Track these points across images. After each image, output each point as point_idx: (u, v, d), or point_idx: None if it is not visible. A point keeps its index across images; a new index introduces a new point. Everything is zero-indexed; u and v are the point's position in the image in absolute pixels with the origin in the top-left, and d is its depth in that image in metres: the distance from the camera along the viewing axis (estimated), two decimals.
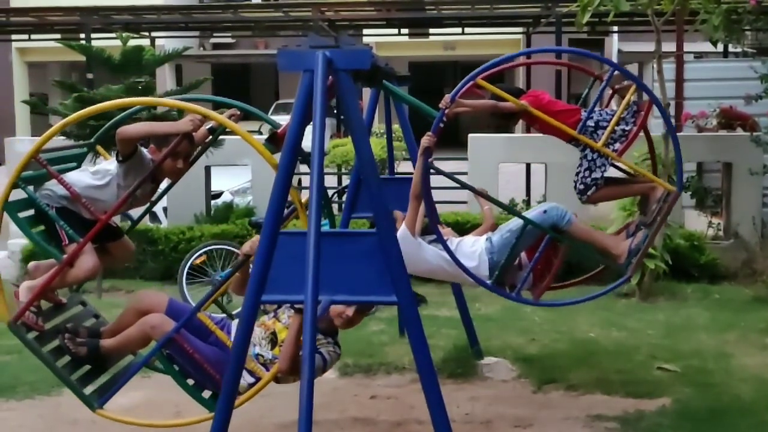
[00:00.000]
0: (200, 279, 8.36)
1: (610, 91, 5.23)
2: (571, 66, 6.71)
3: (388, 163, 7.31)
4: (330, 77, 3.84)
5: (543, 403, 5.85)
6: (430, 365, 4.03)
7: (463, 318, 6.71)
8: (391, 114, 6.79)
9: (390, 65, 5.53)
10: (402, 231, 4.83)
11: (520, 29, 16.54)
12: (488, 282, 4.94)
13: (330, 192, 10.00)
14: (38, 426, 5.55)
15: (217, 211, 10.49)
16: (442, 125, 4.76)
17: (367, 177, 4.17)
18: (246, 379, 4.51)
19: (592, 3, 7.11)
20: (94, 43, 11.39)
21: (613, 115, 4.92)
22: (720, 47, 12.16)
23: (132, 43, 9.24)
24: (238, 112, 5.07)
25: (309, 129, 3.79)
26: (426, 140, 4.71)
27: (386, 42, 21.36)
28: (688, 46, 12.30)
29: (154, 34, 16.33)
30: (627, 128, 4.93)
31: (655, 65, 8.52)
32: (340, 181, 12.53)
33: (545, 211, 4.89)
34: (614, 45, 26.08)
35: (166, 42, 18.52)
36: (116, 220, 5.07)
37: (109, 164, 4.86)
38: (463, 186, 5.35)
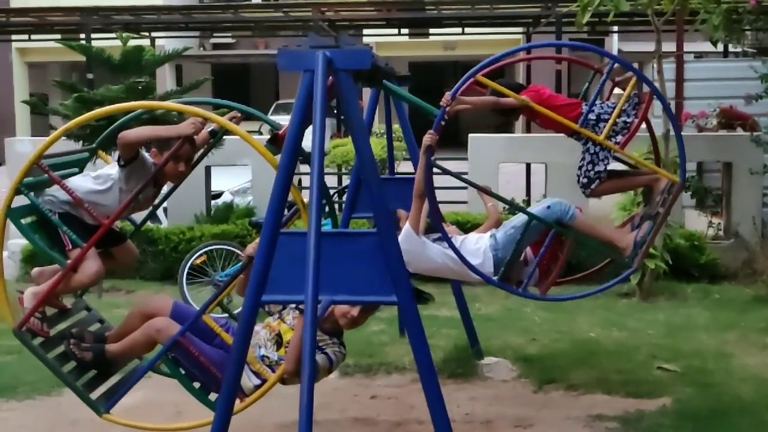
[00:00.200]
0: (200, 279, 8.36)
1: (611, 84, 5.23)
2: (571, 60, 6.71)
3: (388, 163, 7.32)
4: (330, 77, 3.84)
5: (543, 403, 5.85)
6: (430, 365, 4.03)
7: (463, 318, 6.71)
8: (391, 114, 6.79)
9: (390, 65, 5.53)
10: (406, 230, 4.82)
11: (520, 29, 16.55)
12: (494, 278, 4.92)
13: (330, 192, 10.00)
14: (38, 426, 5.55)
15: (218, 211, 10.49)
16: (443, 123, 4.76)
17: (368, 177, 4.17)
18: (252, 380, 4.51)
19: (592, 3, 7.11)
20: (94, 43, 11.39)
21: (614, 108, 4.91)
22: (720, 47, 12.16)
23: (132, 43, 9.25)
24: (239, 115, 5.07)
25: (309, 129, 3.79)
26: (428, 138, 4.70)
27: (386, 42, 21.38)
28: (688, 46, 12.30)
29: (154, 34, 16.34)
30: (629, 120, 4.92)
31: (655, 65, 8.52)
32: (340, 181, 12.52)
33: (548, 207, 4.87)
34: (614, 45, 26.10)
35: (166, 42, 18.53)
36: (117, 222, 5.06)
37: (110, 169, 4.86)
38: (467, 183, 5.34)
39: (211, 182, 10.70)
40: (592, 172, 4.97)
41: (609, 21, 10.15)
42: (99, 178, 4.82)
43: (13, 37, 17.57)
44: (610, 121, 4.86)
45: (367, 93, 7.84)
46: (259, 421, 5.35)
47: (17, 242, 9.76)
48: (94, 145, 5.40)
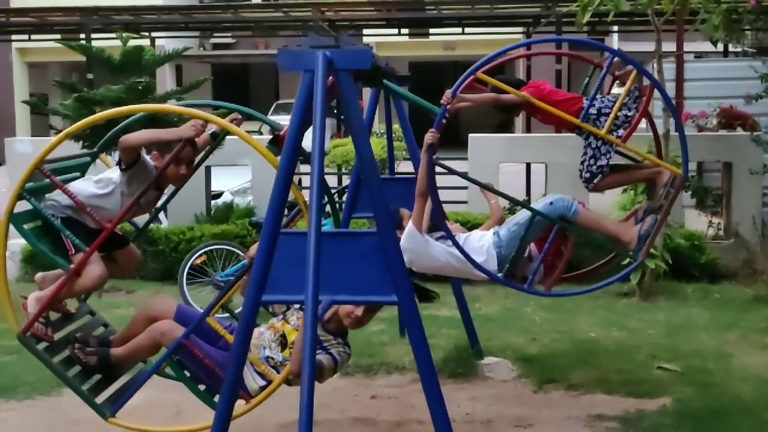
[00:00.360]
0: (200, 279, 8.36)
1: (611, 79, 5.23)
2: (571, 55, 6.71)
3: (388, 163, 7.32)
4: (330, 77, 3.83)
5: (543, 402, 5.85)
6: (430, 365, 4.03)
7: (463, 318, 6.71)
8: (391, 114, 6.79)
9: (390, 65, 5.53)
10: (409, 229, 4.80)
11: (520, 29, 16.55)
12: (499, 275, 4.91)
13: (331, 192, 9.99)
14: (39, 426, 5.55)
15: (218, 211, 10.49)
16: (444, 121, 4.76)
17: (368, 177, 4.17)
18: (257, 382, 4.51)
19: (592, 3, 7.11)
20: (94, 43, 11.40)
21: (614, 102, 4.90)
22: (720, 47, 12.16)
23: (132, 43, 9.25)
24: (240, 116, 5.06)
25: (310, 129, 3.80)
26: (429, 137, 4.69)
27: (386, 42, 21.38)
28: (688, 46, 12.29)
29: (154, 34, 16.34)
30: (630, 114, 4.92)
31: (655, 65, 8.52)
32: (340, 181, 12.52)
33: (551, 203, 4.85)
34: (614, 45, 26.05)
35: (166, 42, 18.53)
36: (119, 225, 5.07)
37: (111, 173, 4.86)
38: (469, 181, 5.33)
39: (211, 182, 10.70)
40: (594, 167, 4.97)
41: (609, 21, 10.16)
42: (100, 182, 4.82)
43: (13, 37, 17.58)
44: (611, 115, 4.85)
45: (367, 93, 7.84)
46: (259, 422, 5.35)
47: (17, 242, 9.75)
48: (95, 150, 5.41)
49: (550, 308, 8.09)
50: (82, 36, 13.11)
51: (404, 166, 11.44)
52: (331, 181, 11.87)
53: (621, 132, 4.90)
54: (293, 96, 3.98)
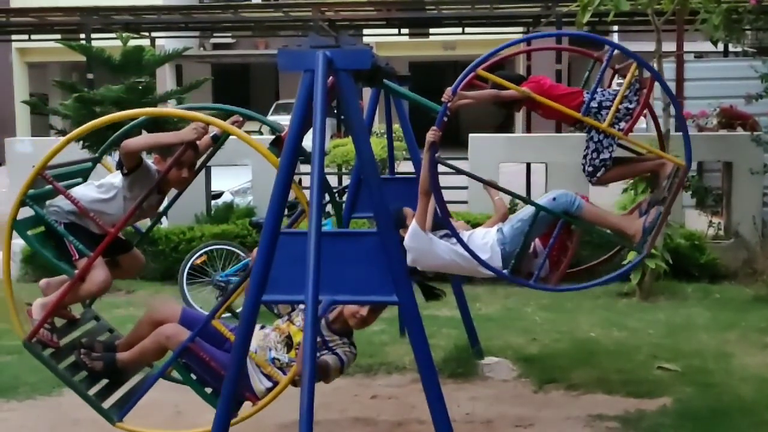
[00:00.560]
0: (200, 279, 8.36)
1: (611, 72, 5.22)
2: (571, 50, 6.70)
3: (388, 163, 7.32)
4: (330, 77, 3.83)
5: (544, 402, 5.85)
6: (430, 365, 4.03)
7: (463, 318, 6.71)
8: (391, 114, 6.79)
9: (390, 65, 5.53)
10: (413, 227, 4.79)
11: (520, 29, 16.57)
12: (504, 272, 4.90)
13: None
14: (39, 426, 5.55)
15: (218, 211, 10.49)
16: (445, 119, 4.75)
17: (368, 177, 4.17)
18: (263, 383, 4.52)
19: (592, 2, 7.11)
20: (94, 43, 11.40)
21: (615, 95, 4.90)
22: (720, 47, 12.15)
23: (132, 43, 9.25)
24: (241, 119, 5.06)
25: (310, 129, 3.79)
26: (431, 135, 4.68)
27: (386, 42, 21.40)
28: (688, 46, 12.29)
29: (154, 34, 16.36)
30: (631, 106, 4.90)
31: (655, 65, 8.52)
32: (340, 181, 12.52)
33: (555, 198, 4.85)
34: None
35: (166, 42, 18.54)
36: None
37: (113, 177, 4.85)
38: (472, 178, 5.32)
39: (212, 182, 10.70)
40: (597, 160, 4.95)
41: (609, 21, 10.17)
42: (102, 187, 4.81)
43: (13, 37, 17.60)
44: (613, 108, 4.83)
45: (367, 93, 7.84)
46: (259, 421, 5.33)
47: (16, 243, 9.71)
48: (96, 155, 5.41)
49: (550, 308, 8.09)
50: (82, 36, 13.12)
51: (404, 166, 11.44)
52: (332, 181, 11.87)
53: (623, 125, 4.88)
54: (293, 96, 3.98)
